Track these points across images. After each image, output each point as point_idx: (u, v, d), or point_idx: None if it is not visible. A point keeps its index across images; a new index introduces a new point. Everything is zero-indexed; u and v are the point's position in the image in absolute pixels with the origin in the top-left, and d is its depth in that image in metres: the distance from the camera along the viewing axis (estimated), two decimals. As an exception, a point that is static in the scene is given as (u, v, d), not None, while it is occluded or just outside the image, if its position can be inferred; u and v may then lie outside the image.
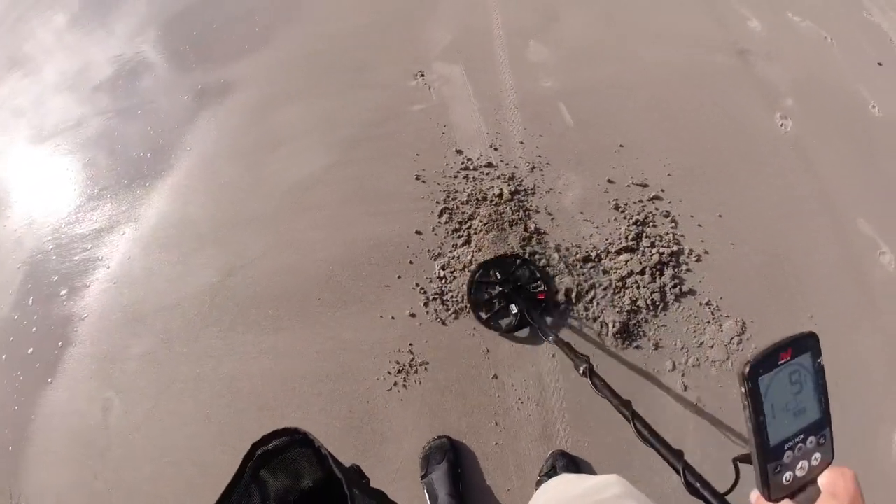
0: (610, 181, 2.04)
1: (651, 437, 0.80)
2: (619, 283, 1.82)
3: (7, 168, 2.66)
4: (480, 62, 2.41)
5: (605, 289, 1.82)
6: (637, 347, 1.75)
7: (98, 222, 2.31)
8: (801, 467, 0.50)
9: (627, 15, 2.56)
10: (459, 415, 1.72)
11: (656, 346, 1.76)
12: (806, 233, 2.02)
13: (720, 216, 1.97)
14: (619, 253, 1.88)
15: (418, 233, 1.99)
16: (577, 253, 1.88)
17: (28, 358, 2.06)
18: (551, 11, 2.58)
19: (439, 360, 1.80)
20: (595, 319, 1.78)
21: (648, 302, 1.79)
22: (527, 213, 1.98)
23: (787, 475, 0.49)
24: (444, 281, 1.88)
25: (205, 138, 2.44)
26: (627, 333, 1.77)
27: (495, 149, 2.14)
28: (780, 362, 0.48)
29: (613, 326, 1.76)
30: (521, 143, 2.15)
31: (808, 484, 0.50)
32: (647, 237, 1.91)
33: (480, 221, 1.95)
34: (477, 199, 2.01)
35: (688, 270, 1.87)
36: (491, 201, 1.99)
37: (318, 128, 2.34)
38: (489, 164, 2.10)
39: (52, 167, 2.58)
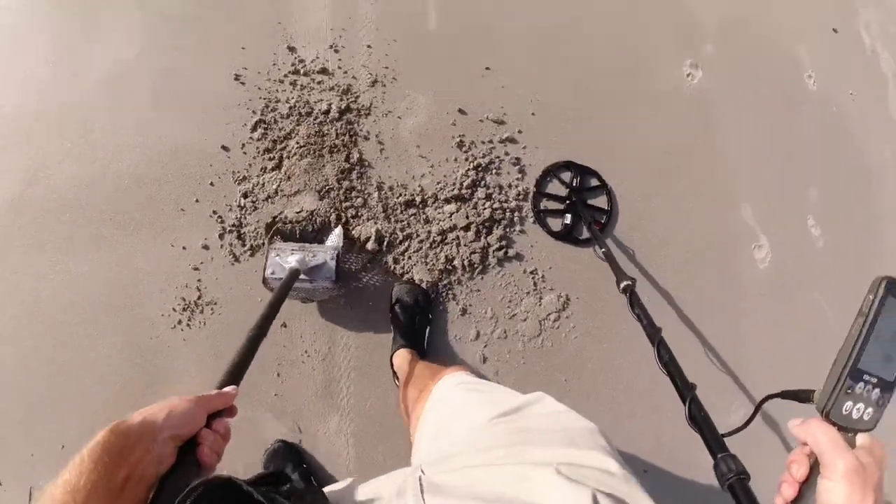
0: (461, 111, 1.72)
1: (671, 364, 0.83)
2: (439, 238, 1.60)
3: None
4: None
5: (420, 241, 1.60)
6: (442, 310, 1.59)
7: None
8: (858, 408, 0.49)
9: None
10: (237, 361, 1.57)
11: (464, 312, 1.60)
12: (676, 206, 1.79)
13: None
14: (447, 201, 1.63)
15: (225, 148, 1.67)
16: (400, 195, 1.62)
17: None
18: None
19: (228, 300, 1.60)
20: (403, 274, 1.59)
21: (465, 262, 1.60)
22: (354, 138, 1.67)
23: (848, 405, 0.49)
24: (244, 210, 1.62)
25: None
26: (435, 295, 1.59)
27: (335, 51, 1.75)
28: None
29: (422, 283, 1.58)
30: (369, 46, 1.76)
31: (848, 431, 0.49)
32: (484, 186, 1.65)
33: (297, 143, 1.64)
34: (299, 114, 1.67)
35: (521, 231, 1.65)
36: (315, 118, 1.66)
37: (138, 7, 1.84)
38: (323, 70, 1.72)
39: None
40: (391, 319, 1.54)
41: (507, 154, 1.69)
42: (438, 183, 1.65)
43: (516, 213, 1.65)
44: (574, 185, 1.72)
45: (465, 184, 1.64)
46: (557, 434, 0.71)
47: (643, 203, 1.77)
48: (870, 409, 0.49)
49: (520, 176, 1.68)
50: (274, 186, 1.62)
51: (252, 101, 1.70)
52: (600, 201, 1.74)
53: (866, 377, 0.49)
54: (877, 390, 0.49)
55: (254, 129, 1.67)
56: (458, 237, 1.60)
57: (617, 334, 1.65)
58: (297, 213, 1.61)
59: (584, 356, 1.62)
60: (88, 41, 1.80)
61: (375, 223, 1.60)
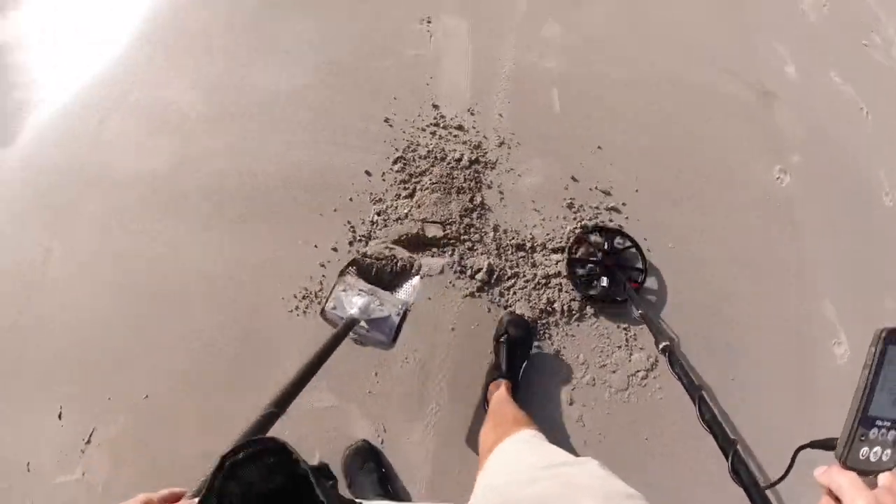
0: (574, 178, 1.96)
1: (712, 422, 0.84)
2: (543, 281, 1.76)
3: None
4: (490, 24, 2.30)
5: (526, 281, 1.76)
6: (537, 347, 1.70)
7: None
8: (875, 452, 0.51)
9: (656, 19, 2.41)
10: (342, 354, 1.66)
11: (557, 353, 1.71)
12: (761, 294, 1.93)
13: (672, 247, 1.89)
14: (554, 251, 1.81)
15: (367, 173, 1.93)
16: (513, 238, 1.82)
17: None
18: None
19: (344, 300, 1.77)
20: (506, 307, 1.73)
21: (565, 307, 1.74)
22: (479, 185, 1.91)
23: (864, 450, 0.51)
24: (375, 225, 1.84)
25: (207, 31, 2.38)
26: (534, 327, 1.71)
27: (472, 114, 2.06)
28: None
29: (523, 317, 1.71)
30: (500, 115, 2.07)
31: (870, 474, 0.51)
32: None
33: (430, 180, 1.89)
34: (435, 158, 1.94)
35: (617, 289, 1.80)
36: (448, 163, 1.93)
37: (313, 47, 2.26)
38: (460, 127, 2.02)
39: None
40: (494, 347, 1.66)
41: (610, 220, 1.90)
42: (548, 234, 1.85)
43: (615, 273, 1.81)
44: (606, 247, 1.82)
45: (571, 239, 1.82)
46: (599, 493, 0.76)
47: (730, 283, 1.91)
48: (888, 451, 0.52)
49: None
50: (405, 211, 1.84)
51: (396, 141, 1.99)
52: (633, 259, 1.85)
53: (879, 423, 0.51)
54: (893, 432, 0.52)
55: (395, 162, 1.94)
56: (560, 283, 1.76)
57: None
58: (383, 249, 1.78)
59: (668, 419, 1.67)
60: (263, 64, 2.18)
61: (488, 258, 1.78)
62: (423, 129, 2.01)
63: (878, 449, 0.52)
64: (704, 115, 2.24)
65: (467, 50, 2.22)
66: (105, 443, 1.68)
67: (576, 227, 1.85)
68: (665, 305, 1.83)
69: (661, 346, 1.22)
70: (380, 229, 1.83)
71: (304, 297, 1.77)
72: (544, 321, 1.72)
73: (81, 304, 1.85)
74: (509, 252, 1.80)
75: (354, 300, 1.31)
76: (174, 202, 1.96)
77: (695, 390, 0.96)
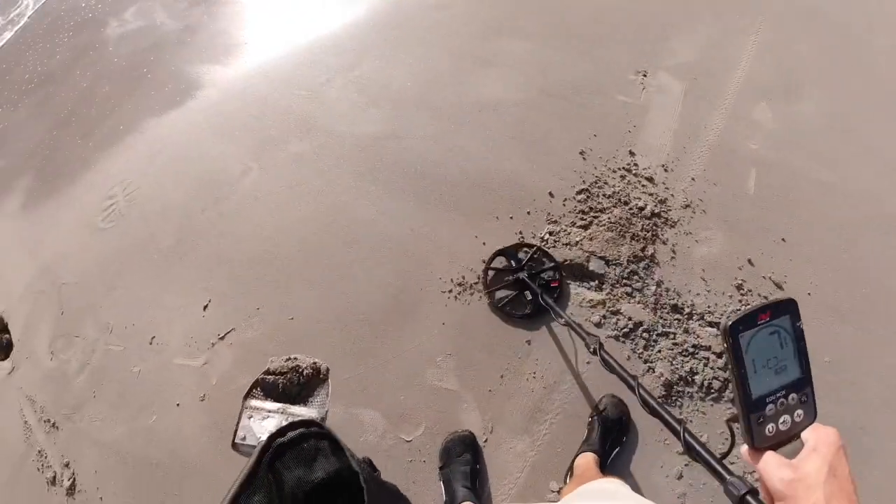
0: (750, 262, 1.93)
1: (655, 404, 0.86)
2: (691, 349, 1.76)
3: None
4: (704, 92, 2.33)
5: (674, 344, 1.78)
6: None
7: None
8: (783, 421, 0.53)
9: (867, 130, 2.27)
10: (479, 347, 1.83)
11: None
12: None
13: (828, 361, 1.79)
14: (711, 325, 1.81)
15: (551, 195, 2.07)
16: (673, 299, 1.84)
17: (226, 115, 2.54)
18: (799, 87, 2.38)
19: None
20: (646, 361, 1.76)
21: (705, 382, 1.72)
22: (654, 237, 1.96)
23: (770, 427, 0.53)
24: (544, 242, 1.96)
25: (438, 30, 2.68)
26: (666, 394, 1.73)
27: (666, 170, 2.11)
28: (758, 321, 0.53)
29: (660, 377, 1.73)
30: (693, 179, 2.09)
31: (791, 438, 0.54)
32: (748, 330, 1.81)
33: (608, 218, 1.97)
34: (619, 200, 2.02)
35: (765, 384, 1.75)
36: (630, 208, 2.00)
37: (530, 68, 2.46)
38: (650, 179, 2.08)
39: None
40: (588, 423, 1.67)
41: (777, 316, 1.84)
42: (709, 307, 1.84)
43: (767, 368, 1.76)
44: (512, 264, 1.89)
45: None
46: None
47: (871, 414, 1.77)
48: (798, 411, 0.53)
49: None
50: (577, 239, 1.94)
51: (586, 174, 2.10)
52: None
53: (769, 398, 0.52)
54: (792, 395, 0.53)
55: (579, 192, 2.05)
56: (708, 358, 1.75)
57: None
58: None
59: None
60: (484, 73, 2.42)
61: (644, 308, 1.82)
62: (615, 171, 2.10)
63: (784, 417, 0.53)
64: (893, 245, 2.08)
65: (676, 109, 2.27)
66: (237, 344, 1.96)
67: (737, 310, 1.83)
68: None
69: (591, 348, 1.22)
70: (548, 247, 1.95)
71: (459, 284, 1.94)
72: (680, 389, 1.73)
73: (262, 222, 2.20)
74: (665, 311, 1.83)
75: (264, 424, 1.19)
76: (372, 165, 2.25)
77: (632, 378, 0.97)
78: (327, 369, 1.67)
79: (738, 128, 2.24)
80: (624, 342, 1.80)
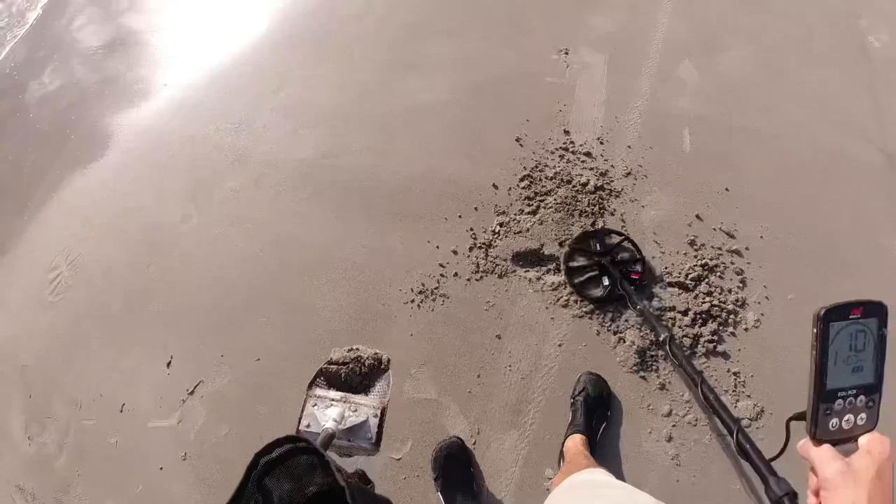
0: (698, 217, 1.96)
1: (715, 402, 0.87)
2: (657, 313, 1.78)
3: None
4: (626, 59, 2.37)
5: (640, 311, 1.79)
6: (642, 377, 1.72)
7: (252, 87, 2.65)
8: (847, 420, 0.54)
9: (791, 71, 2.34)
10: (452, 351, 1.81)
11: (662, 387, 1.71)
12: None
13: (791, 298, 1.83)
14: (671, 285, 1.83)
15: (495, 186, 2.06)
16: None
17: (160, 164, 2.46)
18: (718, 40, 2.44)
19: (459, 299, 1.89)
20: (615, 332, 1.77)
21: (677, 341, 1.74)
22: (602, 210, 1.97)
23: (834, 422, 0.54)
24: (496, 235, 1.96)
25: (359, 40, 2.66)
26: (640, 360, 1.73)
27: (601, 142, 2.13)
28: (850, 316, 0.53)
29: (631, 346, 1.74)
30: (629, 147, 2.12)
31: (848, 439, 0.54)
32: (707, 283, 1.83)
33: (554, 200, 1.98)
34: (561, 180, 2.03)
35: (731, 334, 1.77)
36: (573, 187, 2.01)
37: (455, 66, 2.46)
38: (588, 154, 2.10)
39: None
40: (571, 405, 1.67)
41: (732, 263, 1.88)
42: (666, 268, 1.86)
43: (732, 316, 1.79)
44: (597, 248, 1.87)
45: (690, 276, 1.83)
46: None
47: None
48: (862, 415, 0.54)
49: (741, 285, 1.84)
50: (527, 226, 1.94)
51: (525, 160, 2.11)
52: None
53: (841, 393, 0.53)
54: (861, 397, 0.54)
55: (522, 179, 2.05)
56: (674, 318, 1.77)
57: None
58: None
59: (772, 473, 1.62)
60: (409, 77, 2.42)
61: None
62: (552, 153, 2.11)
63: (849, 416, 0.53)
64: (831, 167, 2.14)
65: (602, 82, 2.30)
66: (207, 395, 1.90)
67: (695, 265, 1.86)
68: (778, 348, 1.77)
69: (661, 338, 1.25)
70: (500, 239, 1.94)
71: (420, 292, 1.91)
72: (652, 353, 1.74)
73: (210, 266, 2.13)
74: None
75: (328, 412, 1.25)
76: (313, 188, 2.21)
77: (696, 374, 0.99)
78: (388, 360, 1.65)
79: (665, 89, 2.28)
80: (591, 318, 1.80)
